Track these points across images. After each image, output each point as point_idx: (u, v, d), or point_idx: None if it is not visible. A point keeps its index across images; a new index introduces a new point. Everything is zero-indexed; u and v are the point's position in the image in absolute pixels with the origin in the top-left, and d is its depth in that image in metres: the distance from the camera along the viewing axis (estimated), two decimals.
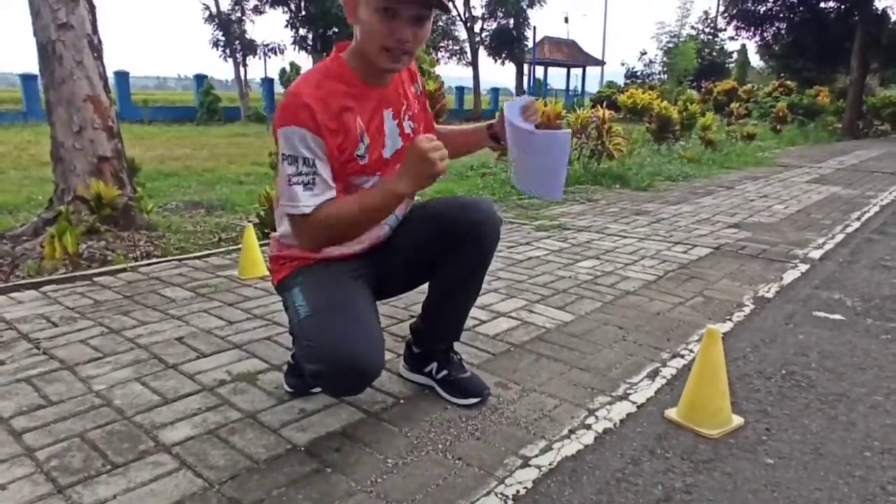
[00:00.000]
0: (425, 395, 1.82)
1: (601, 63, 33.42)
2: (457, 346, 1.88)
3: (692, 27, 28.95)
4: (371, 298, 1.60)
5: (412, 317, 1.89)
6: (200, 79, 19.72)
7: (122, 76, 18.14)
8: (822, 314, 2.57)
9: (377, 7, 1.36)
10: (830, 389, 1.90)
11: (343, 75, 1.48)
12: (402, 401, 1.78)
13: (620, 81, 28.22)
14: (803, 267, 3.30)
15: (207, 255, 3.41)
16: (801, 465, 1.51)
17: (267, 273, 2.88)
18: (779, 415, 1.74)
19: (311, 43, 22.69)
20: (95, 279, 2.94)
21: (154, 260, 3.29)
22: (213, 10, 21.13)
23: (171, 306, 2.57)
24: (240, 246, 3.39)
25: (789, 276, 3.11)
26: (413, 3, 1.37)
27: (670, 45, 20.38)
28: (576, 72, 33.81)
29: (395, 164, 1.57)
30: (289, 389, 1.80)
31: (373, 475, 1.44)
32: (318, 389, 1.80)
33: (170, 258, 3.32)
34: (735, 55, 31.82)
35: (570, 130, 1.54)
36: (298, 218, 1.43)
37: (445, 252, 1.63)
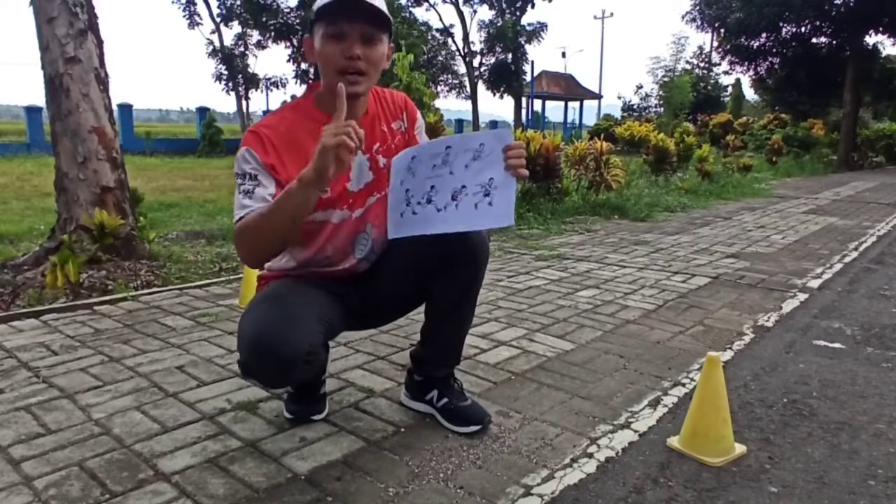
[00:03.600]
0: (426, 423, 1.81)
1: (598, 96, 33.94)
2: (457, 374, 1.88)
3: (687, 62, 29.48)
4: (320, 300, 1.55)
5: (412, 345, 1.89)
6: (203, 111, 19.99)
7: (125, 108, 18.40)
8: (822, 343, 2.58)
9: (326, 34, 1.46)
10: (832, 418, 1.90)
11: (309, 112, 1.55)
12: (403, 429, 1.78)
13: (617, 114, 28.62)
14: (802, 296, 3.31)
15: (208, 285, 3.41)
16: (804, 493, 1.50)
17: None
18: (781, 443, 1.74)
19: (312, 77, 23.05)
20: (96, 308, 2.94)
21: (155, 289, 3.29)
22: (217, 45, 21.53)
23: (171, 335, 2.57)
24: (240, 275, 3.41)
25: (788, 306, 3.12)
26: (357, 21, 1.44)
27: (666, 79, 20.72)
28: (573, 105, 34.32)
29: (366, 196, 1.62)
30: (289, 416, 1.80)
31: None
32: (318, 417, 1.80)
33: (170, 287, 3.33)
34: (730, 89, 32.37)
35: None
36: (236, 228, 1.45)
37: (437, 273, 1.64)
